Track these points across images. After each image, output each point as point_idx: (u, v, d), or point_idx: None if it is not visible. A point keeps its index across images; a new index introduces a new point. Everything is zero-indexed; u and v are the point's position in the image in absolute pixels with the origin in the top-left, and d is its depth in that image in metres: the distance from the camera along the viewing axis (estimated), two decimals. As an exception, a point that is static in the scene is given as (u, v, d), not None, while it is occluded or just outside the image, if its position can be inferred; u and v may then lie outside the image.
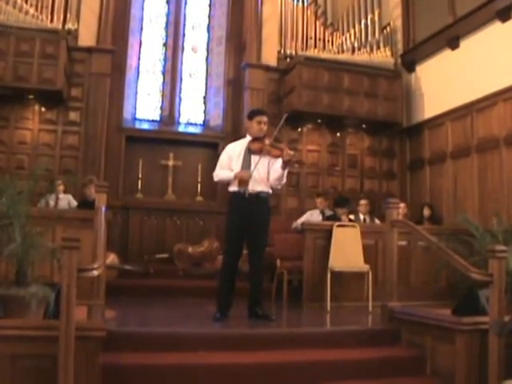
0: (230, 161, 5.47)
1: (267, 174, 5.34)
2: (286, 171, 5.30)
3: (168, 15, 10.85)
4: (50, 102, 9.14)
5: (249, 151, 5.38)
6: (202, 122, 10.78)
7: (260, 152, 5.31)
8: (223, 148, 5.89)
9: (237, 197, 5.33)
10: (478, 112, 8.66)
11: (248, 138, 5.51)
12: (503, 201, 8.02)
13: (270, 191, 5.45)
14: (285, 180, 5.48)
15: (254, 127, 5.45)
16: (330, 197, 9.06)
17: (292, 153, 5.27)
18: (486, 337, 4.07)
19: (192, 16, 11.01)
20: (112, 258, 7.40)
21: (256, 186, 5.30)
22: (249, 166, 5.32)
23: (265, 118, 5.48)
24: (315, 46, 10.31)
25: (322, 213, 8.22)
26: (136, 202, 9.64)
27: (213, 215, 9.66)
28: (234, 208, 5.36)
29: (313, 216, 8.14)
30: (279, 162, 5.27)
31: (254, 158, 5.33)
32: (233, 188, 5.40)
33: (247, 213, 5.26)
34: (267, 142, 5.34)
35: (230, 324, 5.10)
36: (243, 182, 5.29)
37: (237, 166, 5.38)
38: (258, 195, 5.31)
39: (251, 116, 5.55)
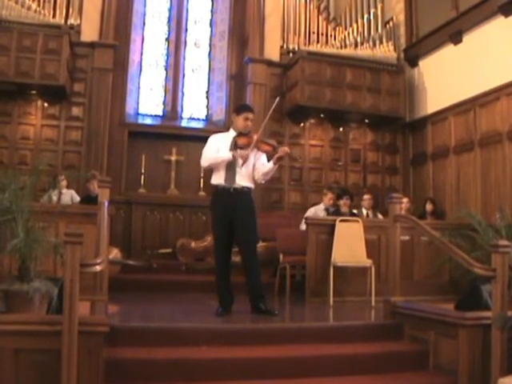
0: (217, 150, 5.37)
1: (252, 169, 5.32)
2: (276, 166, 5.29)
3: (170, 10, 10.86)
4: (53, 97, 9.16)
5: (235, 145, 5.30)
6: (204, 117, 10.79)
7: (247, 146, 5.24)
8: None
9: (221, 191, 5.27)
10: (481, 107, 8.64)
11: (232, 132, 5.46)
12: (506, 195, 8.01)
13: (253, 186, 5.42)
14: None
15: (240, 122, 5.39)
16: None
17: (287, 149, 5.29)
18: (489, 332, 4.07)
19: (194, 11, 11.02)
20: (115, 253, 7.41)
21: (242, 180, 5.27)
22: (234, 161, 5.26)
23: (251, 115, 5.42)
24: (318, 41, 10.30)
25: (327, 209, 8.14)
26: (139, 196, 9.64)
27: (215, 210, 9.63)
28: (219, 203, 5.28)
29: (317, 212, 8.11)
30: (264, 156, 5.30)
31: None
32: (217, 181, 5.32)
33: (232, 208, 5.20)
34: (256, 136, 5.28)
35: (233, 319, 5.09)
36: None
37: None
38: (242, 190, 5.27)
39: (239, 111, 5.50)
